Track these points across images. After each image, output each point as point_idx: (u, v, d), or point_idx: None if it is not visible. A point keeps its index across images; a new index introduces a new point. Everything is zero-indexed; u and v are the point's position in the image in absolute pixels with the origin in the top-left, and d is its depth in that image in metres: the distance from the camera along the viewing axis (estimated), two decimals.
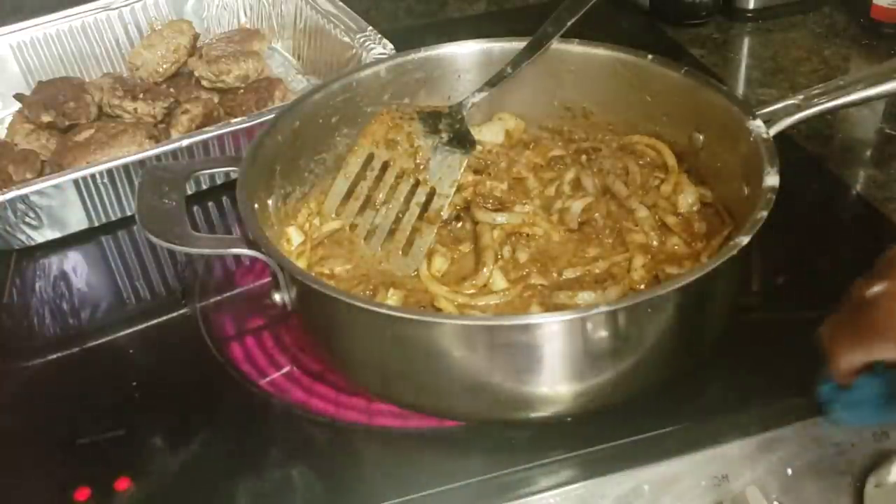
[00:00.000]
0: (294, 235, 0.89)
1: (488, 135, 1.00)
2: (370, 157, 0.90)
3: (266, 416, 0.79)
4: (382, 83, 0.96)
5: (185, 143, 1.01)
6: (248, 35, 1.31)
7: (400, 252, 0.84)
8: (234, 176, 0.81)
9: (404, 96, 0.97)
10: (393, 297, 0.80)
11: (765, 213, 0.71)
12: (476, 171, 0.94)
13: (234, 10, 1.39)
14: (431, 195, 0.85)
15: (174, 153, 1.01)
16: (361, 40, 1.17)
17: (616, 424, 0.75)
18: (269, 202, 0.86)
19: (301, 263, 0.84)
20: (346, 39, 1.19)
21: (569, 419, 0.73)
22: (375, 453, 0.77)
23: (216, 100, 1.20)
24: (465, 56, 0.99)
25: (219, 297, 0.94)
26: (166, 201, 0.78)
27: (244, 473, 0.74)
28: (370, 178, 0.89)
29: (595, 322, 0.67)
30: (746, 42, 1.37)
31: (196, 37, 1.29)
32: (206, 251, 0.82)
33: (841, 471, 0.73)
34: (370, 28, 1.18)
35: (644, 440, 0.73)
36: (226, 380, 0.83)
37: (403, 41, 1.09)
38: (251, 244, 0.74)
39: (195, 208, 1.07)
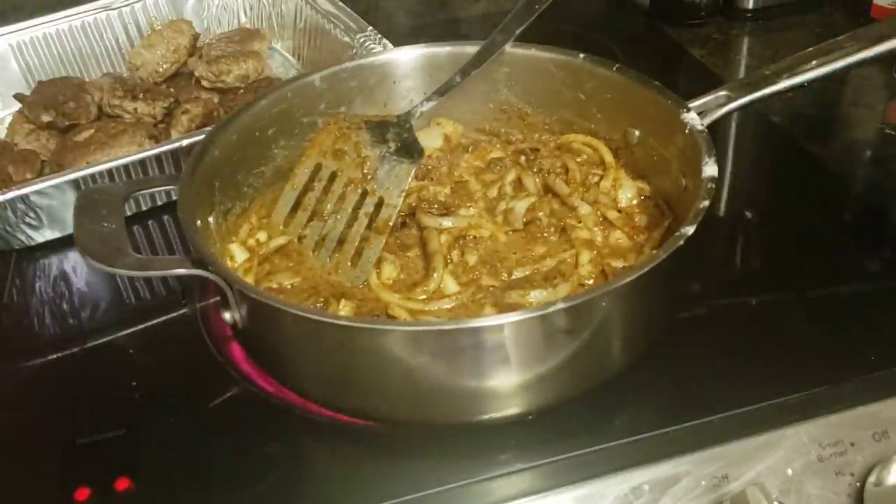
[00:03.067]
0: (237, 252, 0.87)
1: (426, 140, 0.98)
2: (318, 168, 0.89)
3: (265, 416, 0.79)
4: (318, 93, 0.96)
5: (184, 143, 1.01)
6: (248, 35, 1.31)
7: (349, 263, 0.84)
8: (174, 196, 0.80)
9: (340, 105, 0.97)
10: (345, 308, 0.80)
11: (707, 203, 0.72)
12: (418, 177, 0.94)
13: (234, 10, 1.39)
14: (380, 205, 0.85)
15: (174, 153, 1.01)
16: (361, 40, 1.17)
17: (616, 425, 0.75)
18: (210, 219, 0.85)
19: (248, 280, 0.83)
20: (346, 39, 1.19)
21: (530, 417, 0.74)
22: (375, 452, 0.76)
23: (216, 100, 1.20)
24: (401, 63, 0.99)
25: (218, 297, 0.93)
26: (105, 224, 0.77)
27: (244, 473, 0.74)
28: (318, 189, 0.88)
29: (551, 319, 0.67)
30: (746, 42, 1.37)
31: (196, 37, 1.29)
32: (152, 273, 0.80)
33: (841, 471, 0.73)
34: (370, 28, 1.18)
35: (644, 440, 0.73)
36: (225, 380, 0.83)
37: (403, 41, 1.09)
38: (197, 263, 0.73)
39: (135, 228, 1.05)
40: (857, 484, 0.73)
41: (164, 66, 1.25)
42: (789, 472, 0.73)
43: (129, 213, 1.02)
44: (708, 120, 0.82)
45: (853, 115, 1.16)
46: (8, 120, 1.20)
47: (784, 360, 0.79)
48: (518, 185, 0.94)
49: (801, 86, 0.85)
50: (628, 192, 0.90)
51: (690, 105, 0.84)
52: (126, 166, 1.00)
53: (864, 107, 1.18)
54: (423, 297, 0.81)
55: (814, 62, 0.84)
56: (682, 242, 0.69)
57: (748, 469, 0.72)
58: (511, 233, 0.88)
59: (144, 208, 1.06)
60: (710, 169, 0.76)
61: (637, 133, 0.91)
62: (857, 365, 0.78)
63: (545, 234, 0.87)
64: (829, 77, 0.85)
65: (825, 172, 1.05)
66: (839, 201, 1.02)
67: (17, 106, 1.18)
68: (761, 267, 0.95)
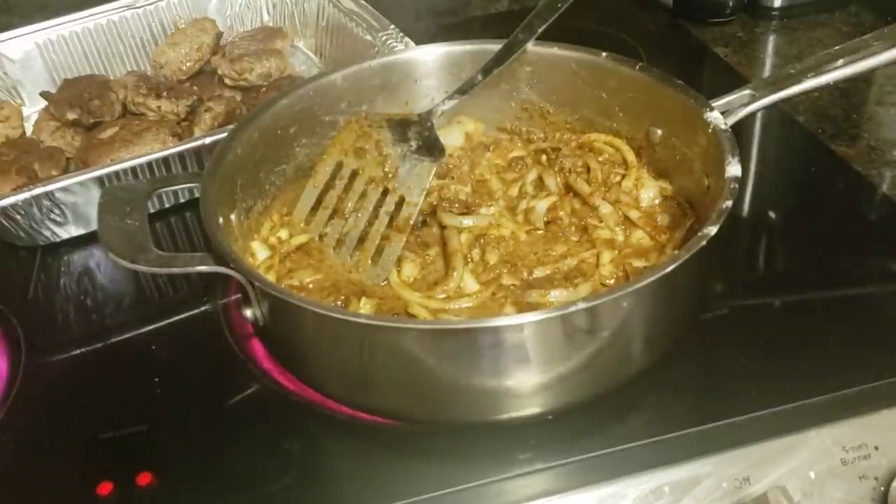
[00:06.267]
0: (259, 250, 0.88)
1: (448, 138, 0.98)
2: (339, 166, 0.89)
3: (286, 413, 0.80)
4: (339, 91, 0.96)
5: (207, 140, 1.02)
6: (271, 33, 1.31)
7: (370, 261, 0.84)
8: (196, 193, 0.81)
9: (362, 104, 0.97)
10: (366, 307, 0.80)
11: (730, 203, 0.72)
12: (439, 175, 0.94)
13: (258, 8, 1.39)
14: (401, 203, 0.85)
15: (197, 151, 1.02)
16: (383, 38, 1.17)
17: (637, 426, 0.74)
18: (232, 217, 0.85)
19: (270, 277, 0.83)
20: (368, 38, 1.19)
21: (550, 417, 0.74)
22: (395, 451, 0.76)
23: (239, 98, 1.21)
24: (422, 62, 0.99)
25: (240, 295, 0.94)
26: (129, 221, 0.78)
27: (264, 469, 0.75)
28: (339, 187, 0.88)
29: (571, 319, 0.67)
30: (772, 40, 1.36)
31: (219, 35, 1.30)
32: (174, 270, 0.79)
33: (864, 475, 0.72)
34: (392, 26, 1.18)
35: (665, 441, 0.73)
36: (247, 377, 0.83)
37: (425, 39, 1.09)
38: (219, 260, 0.74)
39: (158, 225, 1.06)
40: (882, 488, 0.72)
41: (188, 64, 1.26)
42: (812, 474, 0.72)
43: (152, 211, 1.03)
44: (731, 119, 0.82)
45: (880, 115, 1.15)
46: (34, 117, 1.21)
47: (807, 361, 0.79)
48: (539, 184, 0.94)
49: (826, 84, 0.84)
50: (650, 192, 0.89)
51: (714, 104, 0.83)
52: (150, 164, 1.01)
53: (890, 106, 1.16)
54: (444, 295, 0.81)
55: (840, 61, 0.83)
56: (704, 243, 0.69)
57: (770, 471, 0.72)
58: (532, 232, 0.88)
59: (168, 206, 1.07)
60: (733, 169, 0.75)
61: (659, 132, 0.90)
62: (882, 367, 0.77)
63: (566, 234, 0.87)
64: (856, 76, 0.84)
65: (851, 173, 1.04)
66: (865, 202, 1.01)
67: (44, 104, 1.20)
68: (785, 268, 0.94)
